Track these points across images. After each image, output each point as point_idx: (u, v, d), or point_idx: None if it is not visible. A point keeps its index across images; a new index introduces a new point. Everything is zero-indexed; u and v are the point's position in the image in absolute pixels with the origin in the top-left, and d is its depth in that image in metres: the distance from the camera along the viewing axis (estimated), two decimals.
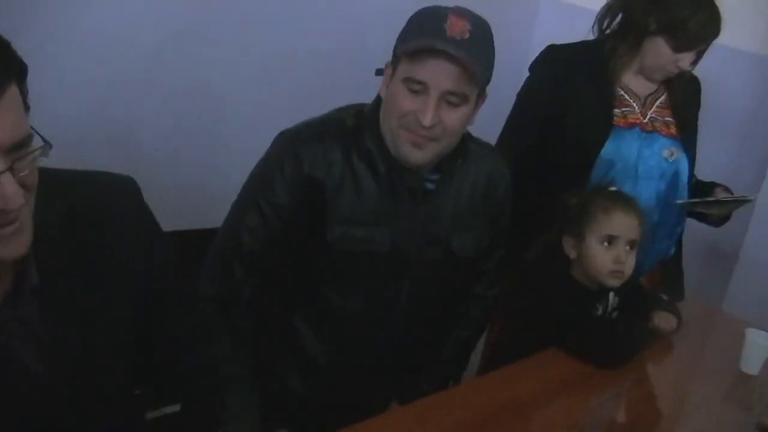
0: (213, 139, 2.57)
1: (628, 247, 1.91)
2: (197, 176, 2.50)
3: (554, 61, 2.17)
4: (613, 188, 2.01)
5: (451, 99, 1.53)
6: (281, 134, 1.67)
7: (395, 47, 1.58)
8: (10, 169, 0.98)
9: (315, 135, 1.63)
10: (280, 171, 1.61)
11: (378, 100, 1.65)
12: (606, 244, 1.90)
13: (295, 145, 1.62)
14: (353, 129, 1.64)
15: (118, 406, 1.27)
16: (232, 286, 1.65)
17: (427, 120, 1.52)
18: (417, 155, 1.58)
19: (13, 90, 0.98)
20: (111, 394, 1.24)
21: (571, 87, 2.12)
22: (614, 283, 1.91)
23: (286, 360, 1.76)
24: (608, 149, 2.10)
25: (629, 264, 1.91)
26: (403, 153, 1.59)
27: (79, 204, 1.11)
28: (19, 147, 0.99)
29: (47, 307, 1.14)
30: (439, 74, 1.50)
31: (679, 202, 2.18)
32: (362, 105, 1.69)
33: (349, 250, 1.64)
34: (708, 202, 2.17)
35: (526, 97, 2.22)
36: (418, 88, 1.52)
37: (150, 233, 1.28)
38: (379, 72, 1.64)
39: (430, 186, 1.68)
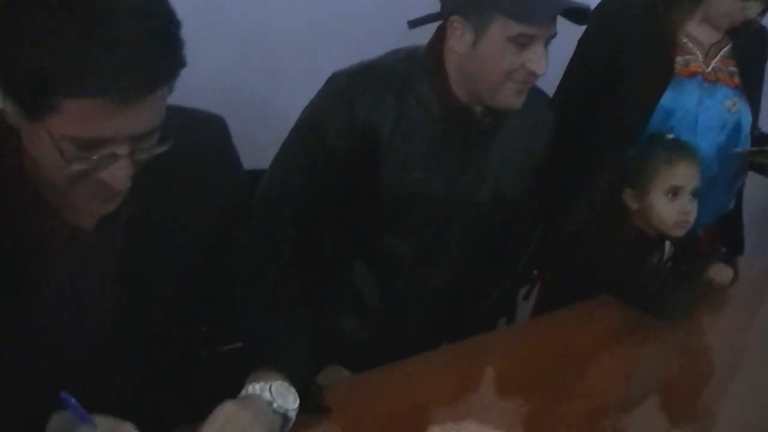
0: (270, 80, 2.56)
1: (691, 196, 1.90)
2: (252, 118, 2.50)
3: (613, 8, 2.12)
4: (670, 136, 1.98)
5: (549, 41, 1.53)
6: (333, 78, 1.66)
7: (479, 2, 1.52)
8: (131, 154, 1.02)
9: (368, 80, 1.62)
10: (332, 116, 1.61)
11: (434, 45, 1.62)
12: (671, 195, 1.89)
13: (348, 90, 1.61)
14: (406, 73, 1.63)
15: (183, 340, 1.31)
16: (279, 227, 1.67)
17: (543, 69, 1.52)
18: (519, 100, 1.58)
19: (166, 86, 1.01)
20: (179, 326, 1.27)
21: (631, 34, 2.07)
22: (679, 233, 1.91)
23: (340, 300, 1.77)
24: (668, 98, 2.06)
25: (693, 213, 1.90)
26: (504, 102, 1.58)
27: (169, 135, 1.10)
28: (146, 137, 1.03)
29: (130, 238, 1.17)
30: (549, 23, 1.50)
31: (737, 150, 2.13)
32: (415, 49, 1.67)
33: (402, 194, 1.64)
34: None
35: (584, 45, 2.19)
36: (526, 41, 1.50)
37: (234, 174, 1.30)
38: (414, 23, 1.61)
39: (482, 128, 1.67)
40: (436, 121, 1.62)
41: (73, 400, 1.05)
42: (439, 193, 1.66)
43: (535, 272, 2.27)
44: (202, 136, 1.25)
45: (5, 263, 1.09)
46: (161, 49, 0.96)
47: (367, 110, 1.59)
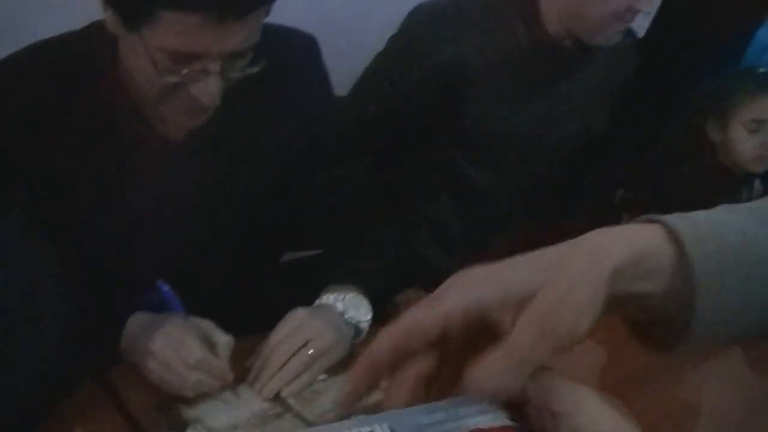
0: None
1: None
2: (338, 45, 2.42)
3: None
4: (761, 69, 1.91)
5: None
6: (419, 9, 1.62)
7: None
8: (222, 72, 1.04)
9: (455, 13, 1.58)
10: (417, 48, 1.58)
11: None
12: (752, 128, 1.82)
13: (435, 23, 1.58)
14: (495, 7, 1.59)
15: (262, 249, 1.35)
16: (354, 150, 1.63)
17: (651, 4, 1.50)
18: (618, 38, 1.58)
19: (263, 9, 1.04)
20: (259, 235, 1.31)
21: None
22: (759, 168, 1.86)
23: (420, 226, 1.76)
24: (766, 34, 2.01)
25: None
26: (604, 40, 1.57)
27: (261, 54, 1.12)
28: (238, 56, 1.05)
29: (218, 152, 1.21)
30: None
31: None
32: None
33: (488, 129, 1.62)
34: None
35: None
36: None
37: (323, 94, 1.33)
38: None
39: (571, 61, 1.64)
40: (525, 54, 1.59)
41: (166, 287, 1.11)
42: (525, 126, 1.64)
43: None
44: (293, 54, 1.27)
45: (103, 165, 1.14)
46: None
47: (453, 43, 1.57)
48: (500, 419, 0.47)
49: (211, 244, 1.26)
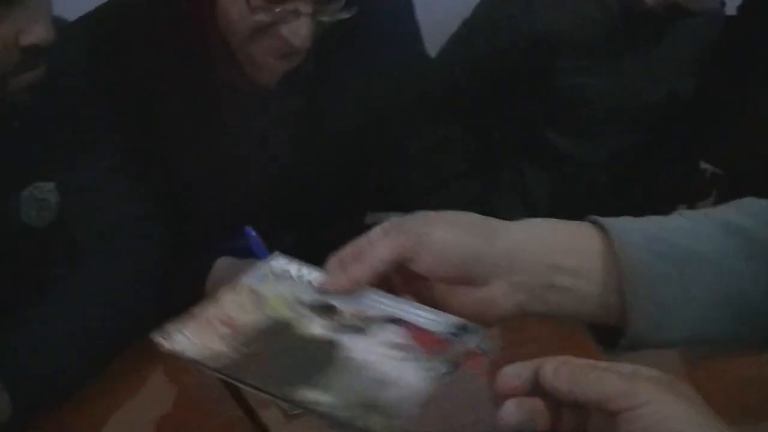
0: None
1: None
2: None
3: None
4: None
5: None
6: None
7: None
8: (312, 15, 1.05)
9: None
10: (509, 13, 1.60)
11: None
12: None
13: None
14: None
15: (347, 203, 1.36)
16: (442, 113, 1.66)
17: None
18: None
19: None
20: (346, 189, 1.33)
21: None
22: None
23: (505, 190, 1.78)
24: None
25: None
26: (701, 3, 1.58)
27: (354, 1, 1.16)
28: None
29: (310, 97, 1.24)
30: None
31: None
32: None
33: (575, 95, 1.63)
34: None
35: None
36: None
37: (414, 48, 1.34)
38: None
39: (661, 26, 1.64)
40: (616, 20, 1.60)
41: (254, 233, 1.14)
42: (613, 93, 1.65)
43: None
44: (386, 5, 1.28)
45: (197, 107, 1.18)
46: None
47: (543, 12, 1.58)
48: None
49: (298, 190, 1.28)
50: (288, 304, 0.64)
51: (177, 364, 0.59)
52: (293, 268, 0.67)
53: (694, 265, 0.62)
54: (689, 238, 0.63)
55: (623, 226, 0.63)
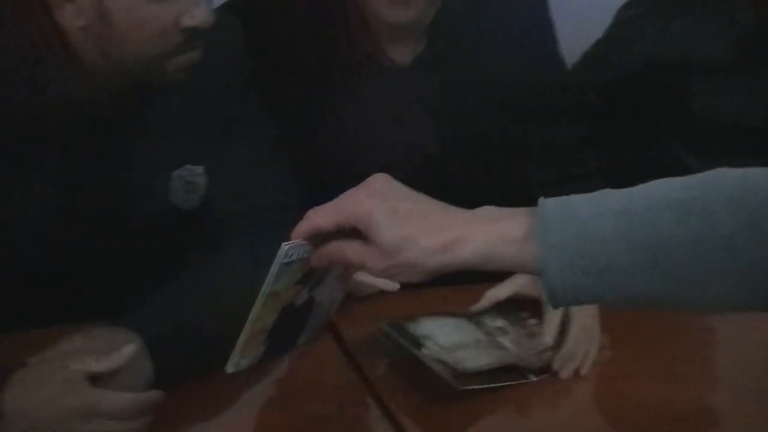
0: None
1: None
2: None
3: None
4: None
5: None
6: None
7: None
8: None
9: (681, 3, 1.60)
10: (643, 32, 1.60)
11: None
12: None
13: (668, 3, 1.61)
14: None
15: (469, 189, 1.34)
16: (570, 116, 1.62)
17: None
18: None
19: None
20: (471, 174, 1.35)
21: None
22: None
23: None
24: None
25: None
26: None
27: None
28: None
29: (447, 82, 1.28)
30: None
31: None
32: None
33: (709, 116, 1.61)
34: None
35: None
36: None
37: (546, 33, 1.38)
38: None
39: None
40: (750, 38, 1.58)
41: None
42: (751, 116, 1.62)
43: None
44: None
45: (337, 85, 1.26)
46: None
47: (678, 29, 1.58)
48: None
49: (425, 170, 1.29)
50: (292, 288, 0.80)
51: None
52: (299, 250, 0.78)
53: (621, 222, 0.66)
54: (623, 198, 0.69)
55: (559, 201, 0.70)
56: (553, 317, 1.13)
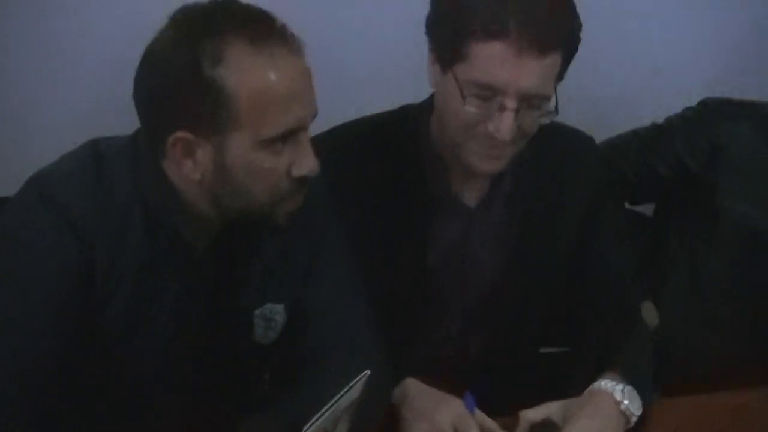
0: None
1: None
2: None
3: None
4: None
5: None
6: (705, 100, 1.72)
7: None
8: (517, 111, 1.21)
9: (732, 108, 1.68)
10: (686, 128, 1.69)
11: None
12: None
13: (710, 111, 1.69)
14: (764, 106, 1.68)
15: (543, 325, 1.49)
16: None
17: None
18: None
19: (555, 56, 1.22)
20: (544, 310, 1.46)
21: None
22: None
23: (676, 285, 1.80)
24: None
25: None
26: None
27: (550, 144, 1.37)
28: (533, 99, 1.22)
29: (514, 215, 1.40)
30: None
31: None
32: None
33: (739, 223, 1.65)
34: None
35: None
36: None
37: (602, 189, 1.47)
38: None
39: None
40: None
41: (471, 399, 1.25)
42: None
43: None
44: (579, 148, 1.47)
45: (404, 222, 1.36)
46: (557, 16, 1.21)
47: (721, 134, 1.65)
48: None
49: (497, 306, 1.43)
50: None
51: None
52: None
53: None
54: None
55: None
56: None
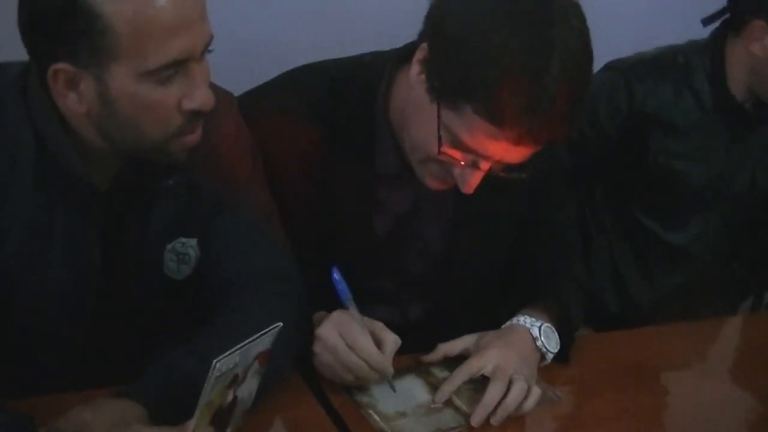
0: None
1: None
2: None
3: None
4: None
5: None
6: (612, 64, 1.77)
7: None
8: (486, 171, 1.19)
9: (648, 70, 1.73)
10: (608, 97, 1.73)
11: (717, 42, 1.71)
12: None
13: (628, 79, 1.73)
14: (684, 66, 1.73)
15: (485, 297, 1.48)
16: None
17: None
18: None
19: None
20: (487, 282, 1.47)
21: None
22: None
23: (603, 277, 1.88)
24: None
25: None
26: None
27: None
28: (511, 168, 1.19)
29: (459, 207, 1.37)
30: None
31: None
32: (693, 44, 1.77)
33: (666, 181, 1.74)
34: None
35: None
36: None
37: (551, 161, 1.45)
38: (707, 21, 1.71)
39: (750, 122, 1.75)
40: (709, 113, 1.72)
41: (338, 275, 1.20)
42: (700, 182, 1.75)
43: None
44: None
45: (350, 189, 1.34)
46: (567, 120, 1.12)
47: (643, 97, 1.71)
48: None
49: (443, 281, 1.44)
50: (221, 394, 0.94)
51: None
52: (228, 362, 0.91)
53: None
54: None
55: None
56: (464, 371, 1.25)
